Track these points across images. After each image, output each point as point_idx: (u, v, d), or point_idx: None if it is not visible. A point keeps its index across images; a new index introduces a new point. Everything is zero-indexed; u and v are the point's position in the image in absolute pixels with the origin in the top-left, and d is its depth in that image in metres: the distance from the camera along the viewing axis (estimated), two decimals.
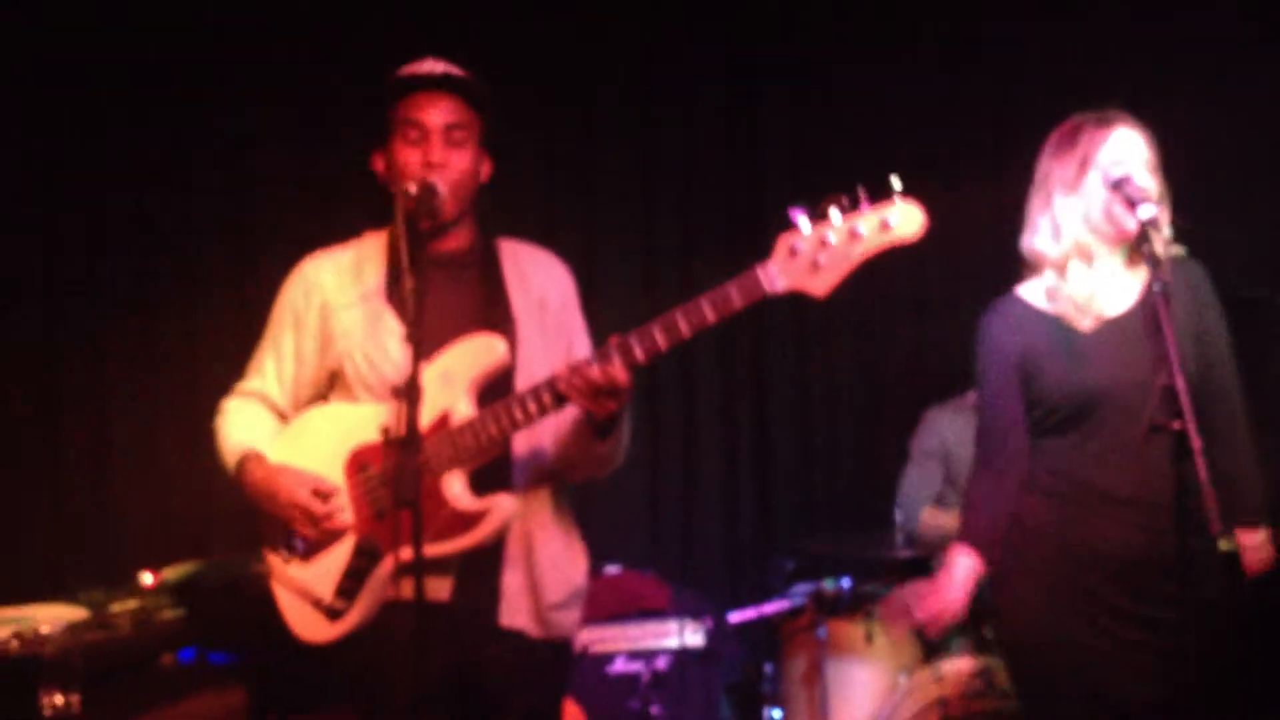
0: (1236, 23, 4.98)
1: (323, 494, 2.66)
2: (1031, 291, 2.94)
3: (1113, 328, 2.84)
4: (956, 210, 4.18)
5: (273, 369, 2.84)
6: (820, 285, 2.46)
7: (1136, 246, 2.79)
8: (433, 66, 2.77)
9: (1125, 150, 2.82)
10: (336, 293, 2.79)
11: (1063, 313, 2.87)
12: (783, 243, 2.47)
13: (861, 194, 2.43)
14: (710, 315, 2.49)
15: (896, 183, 2.42)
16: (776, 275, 2.47)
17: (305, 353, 2.81)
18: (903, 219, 2.43)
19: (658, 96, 5.28)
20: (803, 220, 2.45)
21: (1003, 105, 5.19)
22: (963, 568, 2.98)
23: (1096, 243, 2.84)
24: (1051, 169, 2.89)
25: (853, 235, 2.43)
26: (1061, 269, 2.87)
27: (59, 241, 4.69)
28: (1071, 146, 2.86)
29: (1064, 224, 2.85)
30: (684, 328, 2.49)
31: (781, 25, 5.31)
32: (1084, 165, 2.83)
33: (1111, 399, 2.79)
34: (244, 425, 2.81)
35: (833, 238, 2.44)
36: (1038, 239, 2.91)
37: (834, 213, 2.44)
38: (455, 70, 2.78)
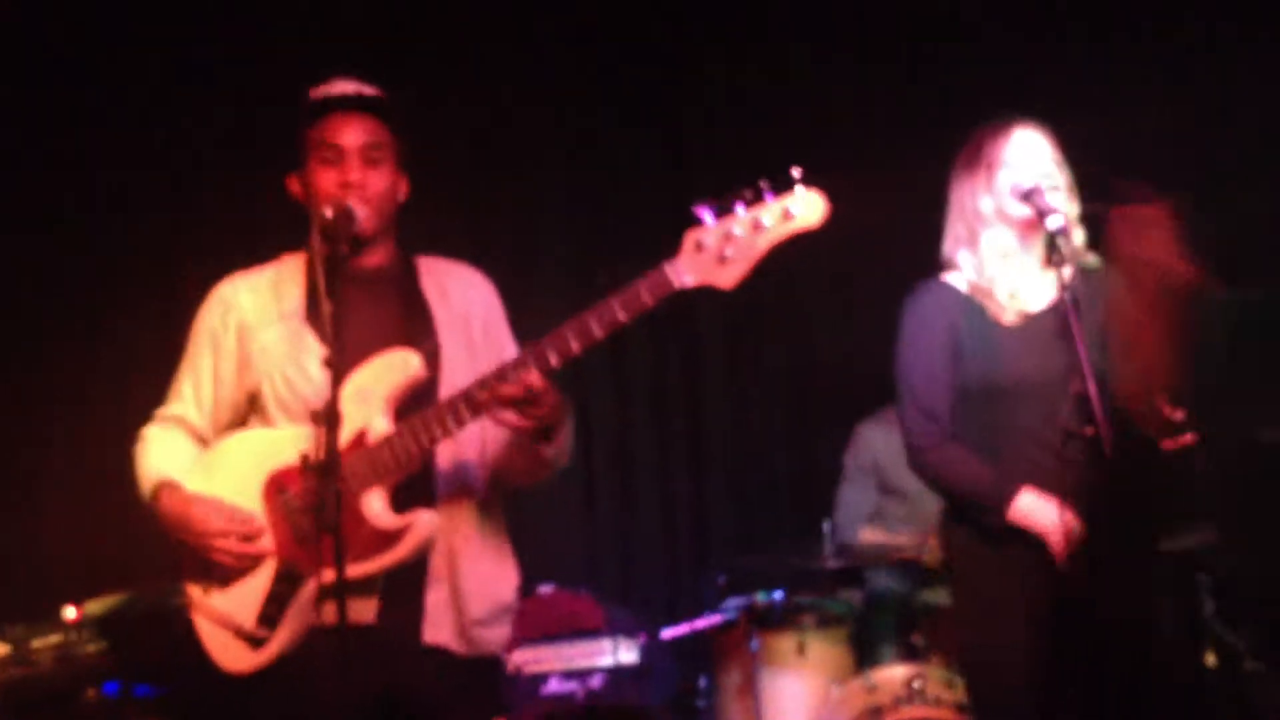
0: (1196, 25, 5.08)
1: (239, 522, 2.64)
2: (956, 279, 3.00)
3: (1032, 323, 2.90)
4: (882, 223, 4.27)
5: (191, 393, 2.81)
6: (727, 277, 2.49)
7: (1048, 249, 2.84)
8: (345, 87, 2.75)
9: (1027, 148, 2.91)
10: (255, 313, 2.77)
11: (986, 304, 2.92)
12: (689, 238, 2.51)
13: (764, 186, 2.47)
14: (621, 315, 2.50)
15: (796, 172, 2.46)
16: (684, 270, 2.50)
17: (224, 375, 2.79)
18: (804, 206, 2.47)
19: (583, 105, 5.30)
20: (708, 216, 2.49)
21: (941, 112, 5.21)
22: (1027, 499, 2.83)
23: (1012, 239, 2.90)
24: (961, 182, 2.97)
25: (756, 226, 2.47)
26: (979, 271, 2.93)
27: None
28: (976, 157, 2.94)
29: (979, 226, 2.92)
30: (596, 329, 2.51)
31: (709, 34, 5.34)
32: (991, 167, 2.91)
33: (1023, 394, 2.84)
34: (161, 454, 2.78)
35: (737, 230, 2.48)
36: (958, 248, 2.97)
37: (738, 206, 2.48)
38: (368, 90, 2.77)
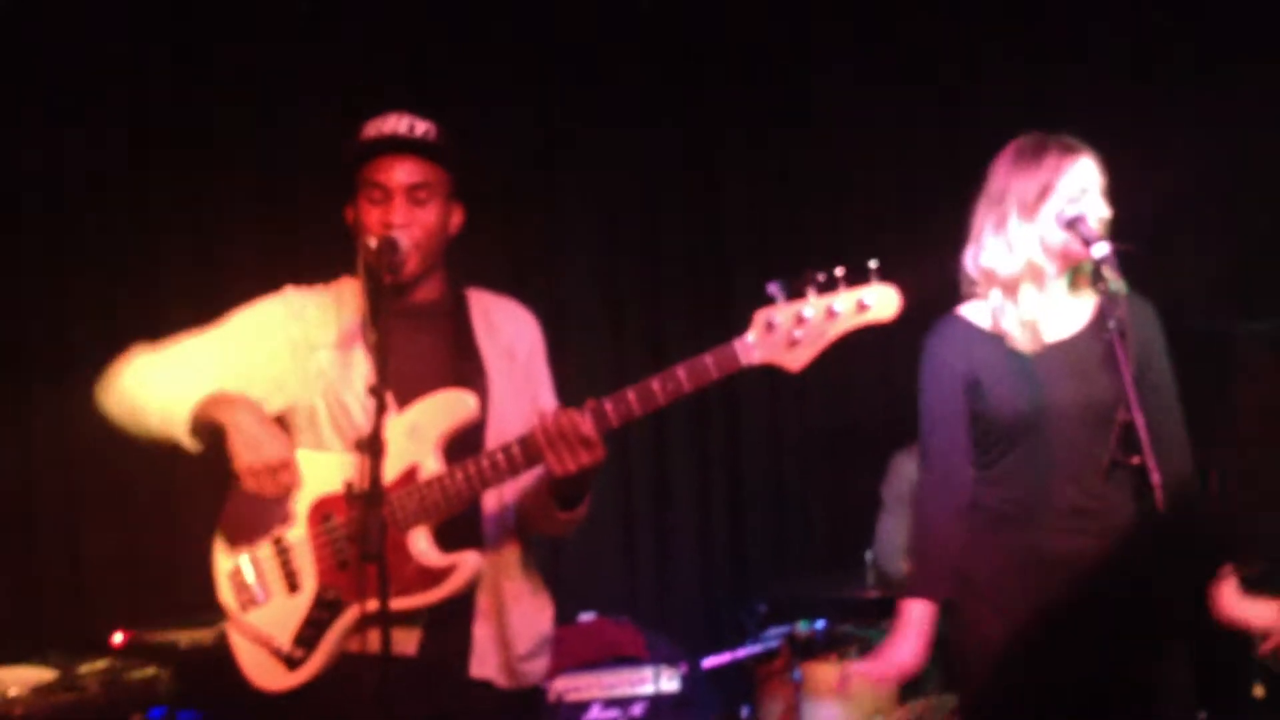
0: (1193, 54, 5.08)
1: (286, 460, 2.58)
2: (974, 312, 2.93)
3: (1058, 351, 2.84)
4: (920, 257, 4.26)
5: (210, 358, 2.74)
6: (795, 360, 2.52)
7: (1088, 275, 2.79)
8: (397, 123, 2.76)
9: (1087, 179, 2.82)
10: (320, 332, 2.78)
11: (1007, 334, 2.86)
12: (760, 317, 2.52)
13: (839, 273, 2.50)
14: (686, 384, 2.53)
15: (873, 264, 2.49)
16: (753, 348, 2.52)
17: (257, 364, 2.74)
18: (879, 300, 2.50)
19: (619, 145, 5.30)
20: (779, 295, 2.50)
21: (974, 155, 5.21)
22: (918, 618, 2.92)
23: (1048, 265, 2.83)
24: (1009, 186, 2.85)
25: (830, 313, 2.50)
26: (1012, 289, 2.85)
27: (22, 285, 4.68)
28: (1034, 168, 2.83)
29: (1017, 244, 2.83)
30: (660, 395, 2.54)
31: (744, 71, 5.36)
32: (1045, 192, 2.80)
33: (1059, 423, 2.80)
34: (175, 377, 2.69)
35: (809, 313, 2.50)
36: (988, 256, 2.88)
37: (810, 289, 2.50)
38: (420, 125, 2.78)
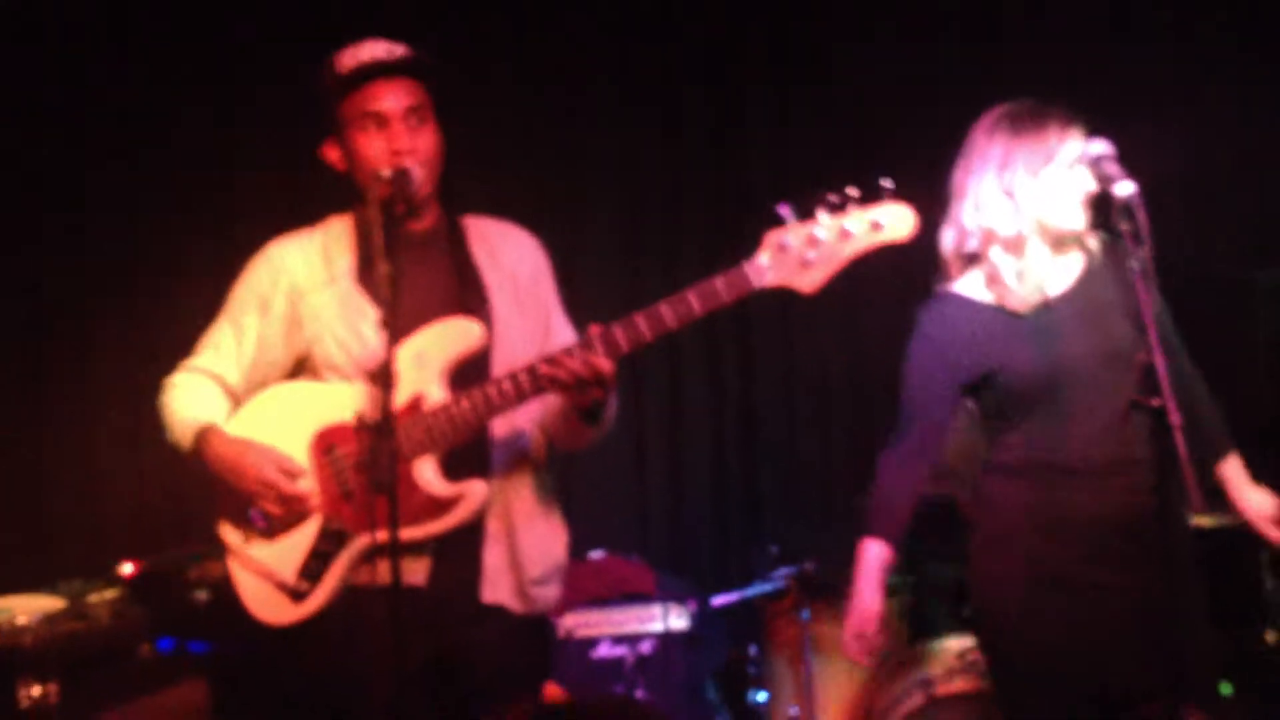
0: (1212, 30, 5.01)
1: (290, 472, 2.63)
2: (968, 286, 2.89)
3: (1064, 304, 2.82)
4: (940, 209, 4.22)
5: (231, 348, 2.79)
6: (808, 282, 2.48)
7: (1122, 217, 2.74)
8: (375, 50, 2.69)
9: (1079, 151, 2.79)
10: (306, 277, 2.76)
11: (1007, 292, 2.82)
12: (771, 238, 2.47)
13: (851, 193, 2.44)
14: (697, 307, 2.49)
15: (888, 183, 2.43)
16: (765, 270, 2.48)
17: (269, 337, 2.77)
18: (894, 219, 2.45)
19: (640, 77, 5.27)
20: (790, 216, 2.45)
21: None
22: (876, 561, 2.94)
23: (1053, 226, 2.81)
24: (1013, 148, 2.81)
25: (843, 234, 2.45)
26: (1017, 246, 2.80)
27: (42, 236, 4.72)
28: (1039, 135, 2.79)
29: (1025, 203, 2.79)
30: (670, 319, 2.50)
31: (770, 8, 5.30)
32: (1048, 158, 2.78)
33: (1079, 375, 2.77)
34: (197, 401, 2.76)
35: (823, 235, 2.45)
36: (989, 216, 2.82)
37: (823, 211, 2.44)
38: (399, 49, 2.70)
